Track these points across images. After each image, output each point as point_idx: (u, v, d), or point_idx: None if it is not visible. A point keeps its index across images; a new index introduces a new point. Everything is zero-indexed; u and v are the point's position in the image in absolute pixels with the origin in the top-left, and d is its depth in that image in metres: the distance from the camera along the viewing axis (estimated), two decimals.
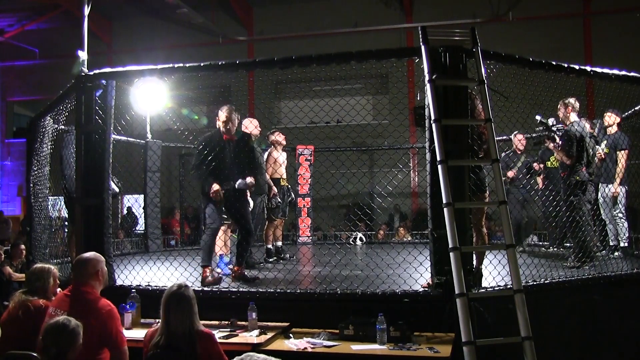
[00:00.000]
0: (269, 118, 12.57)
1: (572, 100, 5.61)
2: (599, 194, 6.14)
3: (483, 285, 4.09)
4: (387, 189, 7.34)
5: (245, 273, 5.13)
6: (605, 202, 6.11)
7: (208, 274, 4.82)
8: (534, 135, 6.87)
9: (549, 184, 6.72)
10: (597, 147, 6.02)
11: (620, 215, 6.02)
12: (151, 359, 3.04)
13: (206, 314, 3.59)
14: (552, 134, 5.70)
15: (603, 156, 6.11)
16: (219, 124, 5.18)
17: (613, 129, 6.15)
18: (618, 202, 5.99)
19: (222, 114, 5.16)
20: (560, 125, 5.78)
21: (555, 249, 7.01)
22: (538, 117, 5.61)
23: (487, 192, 4.47)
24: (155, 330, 3.13)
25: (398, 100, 8.72)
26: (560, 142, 5.64)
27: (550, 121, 5.81)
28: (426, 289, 4.10)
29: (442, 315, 3.78)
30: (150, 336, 3.15)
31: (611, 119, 6.14)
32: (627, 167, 6.01)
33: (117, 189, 5.77)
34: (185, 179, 9.78)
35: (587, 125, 5.86)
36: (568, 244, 6.44)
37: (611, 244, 6.21)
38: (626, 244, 6.01)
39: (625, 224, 6.02)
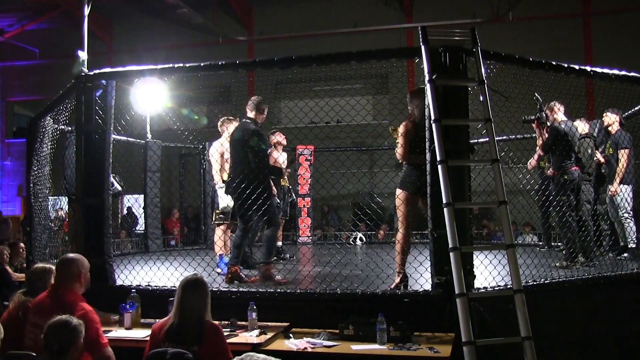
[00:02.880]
0: (269, 118, 12.55)
1: (555, 103, 5.66)
2: (606, 195, 6.11)
3: (483, 285, 4.09)
4: (387, 189, 7.34)
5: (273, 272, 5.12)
6: (611, 203, 6.07)
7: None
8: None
9: (548, 184, 6.70)
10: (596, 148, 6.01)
11: (626, 215, 5.95)
12: (165, 339, 3.07)
13: None
14: (541, 115, 5.72)
15: (603, 160, 6.09)
16: (254, 114, 5.25)
17: (614, 128, 6.13)
18: (621, 201, 5.95)
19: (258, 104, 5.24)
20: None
21: (547, 249, 7.00)
22: (537, 95, 5.62)
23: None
24: (166, 321, 3.18)
25: (398, 100, 8.71)
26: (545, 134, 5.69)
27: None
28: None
29: (442, 315, 3.78)
30: (160, 326, 3.18)
31: (609, 119, 6.13)
32: (632, 167, 5.97)
33: (120, 188, 5.78)
34: (185, 179, 9.79)
35: (581, 126, 5.85)
36: (561, 244, 6.44)
37: (621, 244, 6.15)
38: (634, 245, 5.94)
39: (632, 225, 5.97)
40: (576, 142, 5.58)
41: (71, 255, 3.54)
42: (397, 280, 4.35)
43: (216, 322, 3.20)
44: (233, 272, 4.98)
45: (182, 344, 3.04)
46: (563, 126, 5.51)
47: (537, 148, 7.10)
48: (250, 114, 5.28)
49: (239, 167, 5.11)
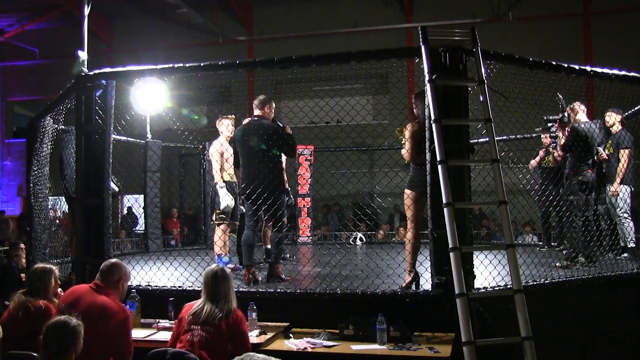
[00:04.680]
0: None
1: (576, 104, 5.66)
2: (606, 195, 6.11)
3: (483, 285, 4.10)
4: (387, 189, 7.34)
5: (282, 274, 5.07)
6: (611, 203, 6.07)
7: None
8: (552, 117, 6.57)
9: (549, 184, 6.69)
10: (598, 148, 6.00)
11: (625, 215, 5.94)
12: (192, 321, 3.28)
13: None
14: (563, 115, 5.71)
15: (605, 156, 6.08)
16: (262, 112, 5.17)
17: (616, 128, 6.12)
18: (619, 200, 5.93)
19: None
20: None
21: (547, 248, 6.99)
22: (559, 95, 5.61)
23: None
24: (192, 305, 3.36)
25: (398, 100, 8.72)
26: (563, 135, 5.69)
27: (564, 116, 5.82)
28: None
29: (442, 315, 3.78)
30: (190, 307, 3.37)
31: (612, 119, 6.12)
32: (632, 167, 5.97)
33: (116, 189, 5.77)
34: (185, 179, 9.79)
35: (596, 127, 5.83)
36: (562, 244, 6.43)
37: (621, 244, 6.14)
38: (633, 245, 5.91)
39: (631, 224, 5.96)
40: (595, 143, 5.58)
41: (115, 260, 3.63)
42: (409, 278, 4.35)
43: (241, 312, 3.40)
44: (252, 273, 4.96)
45: (208, 323, 3.25)
46: (583, 127, 5.51)
47: (541, 149, 7.10)
48: (258, 112, 5.18)
49: (256, 166, 4.98)
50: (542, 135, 6.97)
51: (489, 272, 4.23)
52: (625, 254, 5.90)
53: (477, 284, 4.05)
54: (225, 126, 5.90)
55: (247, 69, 6.14)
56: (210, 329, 3.24)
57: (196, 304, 3.38)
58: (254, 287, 4.52)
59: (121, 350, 3.22)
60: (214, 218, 5.87)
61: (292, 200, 7.44)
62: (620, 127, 6.10)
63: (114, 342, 3.20)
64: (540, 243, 7.76)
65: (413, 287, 4.31)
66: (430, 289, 4.03)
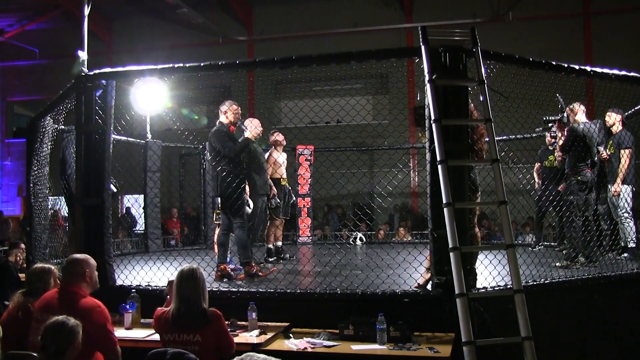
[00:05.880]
0: (269, 118, 12.57)
1: (576, 104, 5.67)
2: (608, 195, 6.10)
3: (483, 285, 4.09)
4: (387, 189, 7.34)
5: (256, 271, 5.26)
6: (612, 203, 6.06)
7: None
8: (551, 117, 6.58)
9: (549, 184, 6.69)
10: (599, 147, 6.00)
11: (625, 215, 5.93)
12: (170, 327, 3.19)
13: None
14: (562, 116, 5.71)
15: (606, 156, 6.09)
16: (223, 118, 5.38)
17: (617, 128, 6.12)
18: (621, 200, 5.93)
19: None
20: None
21: (535, 248, 6.98)
22: (558, 96, 5.61)
23: (479, 192, 4.46)
24: (168, 312, 3.25)
25: (398, 100, 8.73)
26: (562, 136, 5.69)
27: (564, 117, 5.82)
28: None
29: (442, 315, 3.78)
30: (163, 315, 3.27)
31: (612, 119, 6.12)
32: (633, 166, 5.96)
33: (114, 189, 5.78)
34: (185, 179, 9.80)
35: (595, 128, 5.83)
36: (562, 244, 6.42)
37: (621, 244, 6.12)
38: (633, 245, 5.90)
39: (632, 224, 5.95)
40: (594, 143, 5.58)
41: (77, 255, 3.57)
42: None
43: (216, 310, 3.30)
44: (222, 270, 5.13)
45: (186, 330, 3.16)
46: (582, 127, 5.52)
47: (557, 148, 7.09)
48: (221, 117, 5.45)
49: (214, 169, 5.33)
50: (548, 135, 6.96)
51: (489, 272, 4.22)
52: (626, 254, 5.90)
53: (477, 284, 4.05)
54: None
55: (247, 69, 6.14)
56: (195, 348, 3.10)
57: (170, 315, 3.23)
58: (254, 287, 4.52)
59: (106, 346, 3.19)
60: (214, 218, 5.88)
61: (295, 200, 7.44)
62: (621, 127, 6.09)
63: (96, 341, 3.14)
64: (532, 243, 7.75)
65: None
66: (430, 289, 4.03)
